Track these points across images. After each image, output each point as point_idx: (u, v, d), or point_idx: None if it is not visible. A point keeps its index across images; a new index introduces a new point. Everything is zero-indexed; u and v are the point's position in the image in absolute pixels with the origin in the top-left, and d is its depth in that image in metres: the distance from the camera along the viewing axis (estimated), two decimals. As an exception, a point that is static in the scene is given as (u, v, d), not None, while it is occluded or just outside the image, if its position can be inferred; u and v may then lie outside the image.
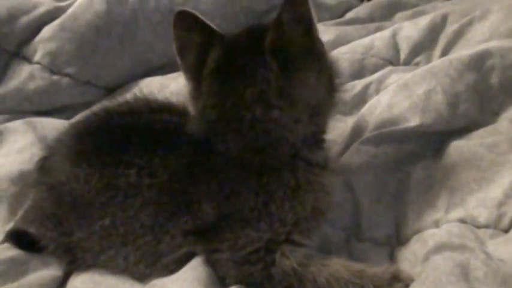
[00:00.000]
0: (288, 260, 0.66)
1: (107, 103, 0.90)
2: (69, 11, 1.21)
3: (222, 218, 0.68)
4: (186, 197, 0.70)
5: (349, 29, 1.25)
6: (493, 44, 0.95)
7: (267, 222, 0.67)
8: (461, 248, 0.67)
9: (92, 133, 0.79)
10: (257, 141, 0.69)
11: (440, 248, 0.68)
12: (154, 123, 0.78)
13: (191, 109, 0.74)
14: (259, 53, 0.69)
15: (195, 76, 0.72)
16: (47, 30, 1.19)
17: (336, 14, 1.37)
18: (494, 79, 0.91)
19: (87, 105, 1.13)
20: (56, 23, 1.20)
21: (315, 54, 0.72)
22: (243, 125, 0.68)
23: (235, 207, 0.68)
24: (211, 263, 0.68)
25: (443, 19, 1.12)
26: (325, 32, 1.25)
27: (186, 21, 0.71)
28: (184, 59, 0.73)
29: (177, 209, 0.70)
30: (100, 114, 0.84)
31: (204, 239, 0.69)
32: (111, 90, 1.23)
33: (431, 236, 0.72)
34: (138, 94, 0.89)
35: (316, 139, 0.74)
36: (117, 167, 0.72)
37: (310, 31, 0.70)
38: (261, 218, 0.67)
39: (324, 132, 0.76)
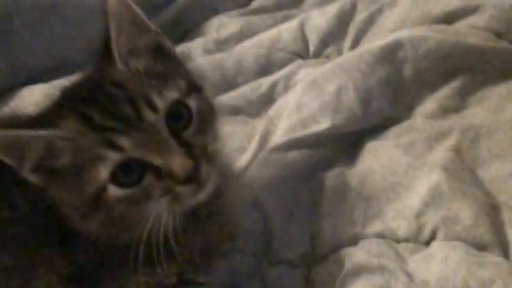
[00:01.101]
0: None
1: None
2: None
3: (99, 264, 0.57)
4: (55, 235, 0.58)
5: (255, 19, 1.15)
6: (404, 33, 0.89)
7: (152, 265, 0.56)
8: (381, 269, 0.61)
9: None
10: None
11: (358, 271, 0.62)
12: None
13: None
14: None
15: None
16: None
17: (241, 2, 1.27)
18: (407, 71, 0.86)
19: None
20: None
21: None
22: None
23: (114, 251, 0.56)
24: None
25: (352, 6, 1.05)
26: (229, 23, 1.16)
27: None
28: None
29: (49, 249, 0.58)
30: None
31: (81, 286, 0.57)
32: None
33: (349, 255, 0.65)
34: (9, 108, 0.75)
35: None
36: None
37: None
38: (145, 261, 0.56)
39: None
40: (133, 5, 0.57)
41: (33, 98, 0.95)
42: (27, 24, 1.08)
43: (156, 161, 0.51)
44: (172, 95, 0.54)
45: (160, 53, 0.58)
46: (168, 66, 0.58)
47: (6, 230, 0.58)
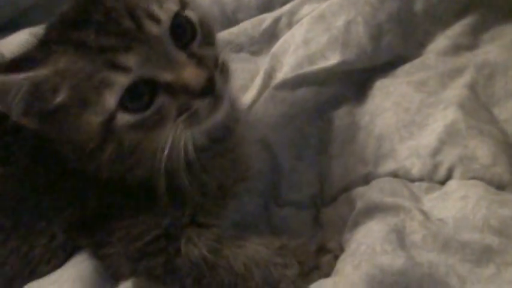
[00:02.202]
0: (195, 247, 0.54)
1: None
2: None
3: (110, 205, 0.54)
4: (60, 184, 0.54)
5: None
6: (416, -35, 0.83)
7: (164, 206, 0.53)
8: (395, 208, 0.58)
9: None
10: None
11: (371, 210, 0.59)
12: None
13: None
14: None
15: None
16: None
17: None
18: (419, 6, 0.81)
19: None
20: None
21: None
22: None
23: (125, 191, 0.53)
24: (98, 258, 0.55)
25: None
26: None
27: None
28: None
29: (52, 200, 0.54)
30: None
31: (89, 230, 0.55)
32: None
33: (360, 195, 0.62)
34: None
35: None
36: None
37: None
38: (157, 200, 0.52)
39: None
40: None
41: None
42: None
43: (168, 76, 0.47)
44: (172, 7, 0.50)
45: None
46: None
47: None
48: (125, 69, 0.46)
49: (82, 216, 0.54)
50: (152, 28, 0.47)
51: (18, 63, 0.48)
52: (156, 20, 0.48)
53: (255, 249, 0.55)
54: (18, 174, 0.54)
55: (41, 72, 0.47)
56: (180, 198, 0.53)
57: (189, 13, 0.51)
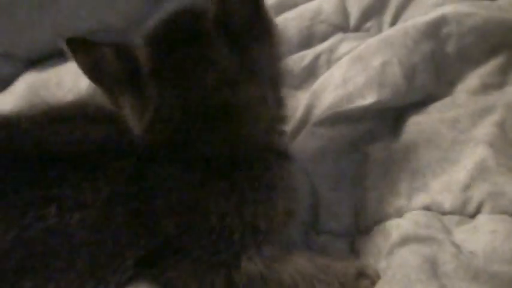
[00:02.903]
0: (254, 264, 0.59)
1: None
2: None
3: (185, 231, 0.58)
4: (136, 220, 0.58)
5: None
6: (449, 9, 0.89)
7: (239, 230, 0.58)
8: (429, 240, 0.63)
9: None
10: (227, 133, 0.60)
11: (405, 241, 0.64)
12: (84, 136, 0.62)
13: (134, 126, 0.61)
14: (200, 34, 0.59)
15: (131, 88, 0.59)
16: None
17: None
18: (451, 47, 0.86)
19: (5, 80, 1.02)
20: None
21: (263, 23, 0.63)
22: (210, 116, 0.59)
23: (201, 216, 0.58)
24: (162, 283, 0.58)
25: (394, -20, 1.05)
26: (268, -5, 1.16)
27: (83, 47, 0.58)
28: (100, 81, 0.60)
29: (128, 238, 0.57)
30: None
31: (160, 259, 0.58)
32: (32, 62, 1.09)
33: (396, 227, 0.66)
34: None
35: (282, 122, 0.68)
36: (27, 207, 0.55)
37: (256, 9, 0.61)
38: (233, 225, 0.58)
39: (286, 112, 0.68)
40: None
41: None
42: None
43: None
44: None
45: None
46: None
47: (77, 236, 0.56)
48: None
49: (155, 246, 0.58)
50: None
51: None
52: None
53: (302, 264, 0.60)
54: (97, 217, 0.56)
55: None
56: (254, 222, 0.59)
57: None
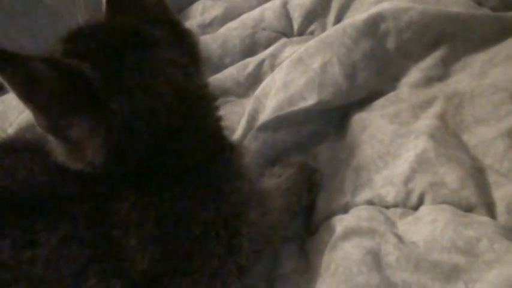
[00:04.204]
0: None
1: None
2: None
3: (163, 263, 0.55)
4: (102, 260, 0.53)
5: (238, 0, 1.16)
6: (386, 5, 0.90)
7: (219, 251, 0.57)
8: (371, 232, 0.63)
9: None
10: (192, 133, 0.57)
11: (348, 234, 0.63)
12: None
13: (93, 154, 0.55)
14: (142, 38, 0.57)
15: (86, 108, 0.52)
16: None
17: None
18: (391, 43, 0.87)
19: None
20: None
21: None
22: (176, 120, 0.56)
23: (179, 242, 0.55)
24: None
25: (334, -18, 1.06)
26: (213, 6, 1.17)
27: (13, 61, 0.49)
28: (35, 101, 0.51)
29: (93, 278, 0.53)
30: None
31: None
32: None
33: (339, 221, 0.66)
34: None
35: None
36: None
37: None
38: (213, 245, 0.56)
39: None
40: None
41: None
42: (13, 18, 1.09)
43: None
44: None
45: None
46: None
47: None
48: None
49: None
50: None
51: None
52: None
53: None
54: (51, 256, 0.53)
55: None
56: None
57: None
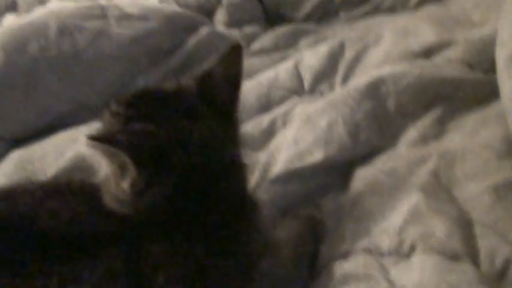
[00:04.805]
0: None
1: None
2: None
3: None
4: None
5: (255, 60, 1.27)
6: (386, 70, 1.00)
7: None
8: (367, 277, 0.71)
9: None
10: (222, 191, 0.67)
11: (347, 279, 0.72)
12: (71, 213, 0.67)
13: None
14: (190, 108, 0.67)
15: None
16: None
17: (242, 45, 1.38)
18: (391, 104, 0.96)
19: None
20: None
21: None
22: (207, 176, 0.65)
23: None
24: None
25: (341, 46, 1.17)
26: (232, 65, 1.27)
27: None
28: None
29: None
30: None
31: None
32: (19, 142, 1.17)
33: (339, 267, 0.75)
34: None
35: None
36: (32, 277, 0.61)
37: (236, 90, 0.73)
38: None
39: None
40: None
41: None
42: (53, 71, 1.20)
43: None
44: None
45: None
46: None
47: None
48: None
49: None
50: None
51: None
52: None
53: None
54: None
55: None
56: None
57: None
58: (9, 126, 1.18)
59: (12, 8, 1.76)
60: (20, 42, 1.22)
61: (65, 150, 1.05)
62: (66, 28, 1.26)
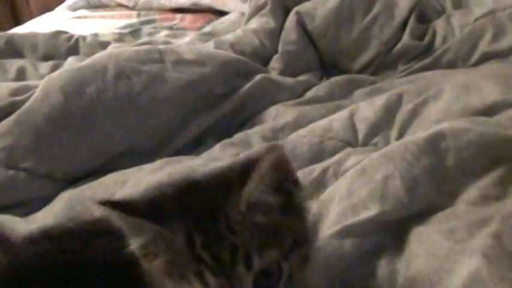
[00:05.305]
0: None
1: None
2: (26, 105, 1.20)
3: None
4: None
5: (309, 108, 1.26)
6: (446, 125, 0.96)
7: None
8: None
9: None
10: None
11: None
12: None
13: None
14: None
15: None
16: (2, 126, 1.17)
17: (296, 93, 1.38)
18: (450, 161, 0.92)
19: (45, 199, 1.11)
20: (11, 117, 1.18)
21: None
22: None
23: None
24: None
25: (399, 99, 1.14)
26: (285, 112, 1.27)
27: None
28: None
29: None
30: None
31: None
32: (70, 182, 1.19)
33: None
34: None
35: None
36: None
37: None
38: None
39: None
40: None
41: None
42: (109, 114, 1.22)
43: None
44: (271, 255, 0.56)
45: (285, 209, 0.61)
46: (284, 219, 0.60)
47: None
48: (206, 284, 0.55)
49: None
50: (241, 271, 0.55)
51: (150, 213, 0.57)
52: (248, 266, 0.55)
53: None
54: None
55: (164, 232, 0.56)
56: None
57: (285, 265, 0.58)
58: (61, 166, 1.19)
59: (74, 50, 1.83)
60: (78, 85, 1.25)
61: (114, 192, 1.05)
62: (123, 71, 1.29)
